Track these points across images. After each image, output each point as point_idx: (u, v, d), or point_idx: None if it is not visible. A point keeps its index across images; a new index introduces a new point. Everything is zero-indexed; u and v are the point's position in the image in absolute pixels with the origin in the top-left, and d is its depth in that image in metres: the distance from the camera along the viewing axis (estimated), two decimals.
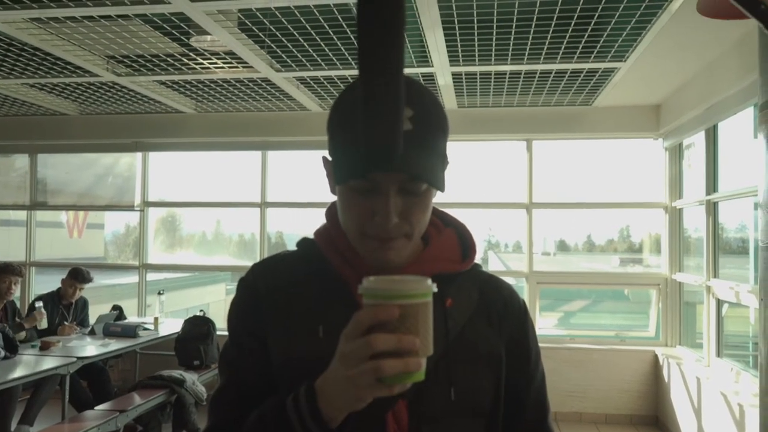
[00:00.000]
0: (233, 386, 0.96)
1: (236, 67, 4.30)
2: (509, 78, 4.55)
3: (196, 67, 4.33)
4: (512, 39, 3.69)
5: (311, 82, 4.68)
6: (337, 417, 0.75)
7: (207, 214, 7.78)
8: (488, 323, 0.97)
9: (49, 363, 3.99)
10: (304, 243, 1.00)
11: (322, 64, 4.19)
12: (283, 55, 4.03)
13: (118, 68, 4.41)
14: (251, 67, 4.27)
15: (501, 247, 6.85)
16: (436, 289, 0.71)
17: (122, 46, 3.91)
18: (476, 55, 4.01)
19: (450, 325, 0.92)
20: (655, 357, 5.24)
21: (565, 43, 3.74)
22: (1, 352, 3.89)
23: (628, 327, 6.27)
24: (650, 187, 5.64)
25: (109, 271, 9.47)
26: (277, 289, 0.96)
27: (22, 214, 6.32)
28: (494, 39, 3.69)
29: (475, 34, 3.61)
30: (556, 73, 4.39)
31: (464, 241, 1.01)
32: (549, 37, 3.66)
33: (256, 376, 0.94)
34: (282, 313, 0.93)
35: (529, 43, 3.76)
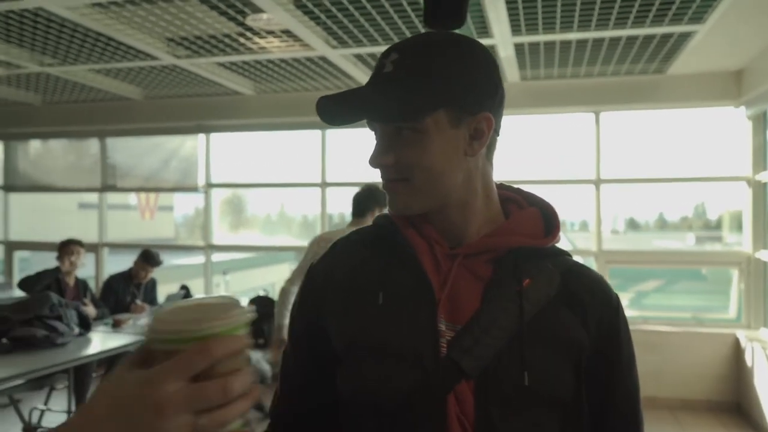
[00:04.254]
0: (286, 377, 1.02)
1: (293, 45, 4.25)
2: (576, 47, 4.30)
3: (253, 47, 4.31)
4: (578, 4, 3.46)
5: (368, 58, 4.58)
6: None
7: (271, 195, 7.89)
8: (571, 311, 0.88)
9: (121, 340, 4.12)
10: (378, 219, 0.99)
11: (379, 39, 4.08)
12: (339, 32, 3.95)
13: (177, 51, 4.45)
14: (307, 45, 4.21)
15: (567, 226, 6.60)
16: (250, 317, 0.57)
17: (180, 27, 3.93)
18: (540, 23, 3.81)
19: (525, 306, 0.84)
20: (737, 340, 4.93)
21: (636, 5, 3.49)
22: (76, 329, 4.02)
23: (706, 308, 5.94)
24: (730, 159, 5.27)
25: (177, 252, 9.75)
26: (340, 271, 0.95)
27: (95, 197, 6.56)
28: (559, 4, 3.48)
29: (539, 0, 3.41)
30: (626, 39, 4.11)
31: (548, 219, 0.94)
32: (619, 0, 3.41)
33: (299, 373, 0.99)
34: (344, 294, 0.93)
35: (597, 8, 3.53)
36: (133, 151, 6.46)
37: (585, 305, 0.88)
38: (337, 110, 0.84)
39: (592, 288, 0.90)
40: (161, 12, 3.66)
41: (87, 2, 3.49)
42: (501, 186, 0.97)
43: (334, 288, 0.94)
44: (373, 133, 0.89)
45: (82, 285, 4.82)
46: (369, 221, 3.71)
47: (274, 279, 12.09)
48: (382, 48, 4.26)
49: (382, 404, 0.84)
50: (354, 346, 0.88)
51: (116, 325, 4.50)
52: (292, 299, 3.31)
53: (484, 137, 0.86)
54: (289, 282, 3.43)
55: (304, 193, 6.45)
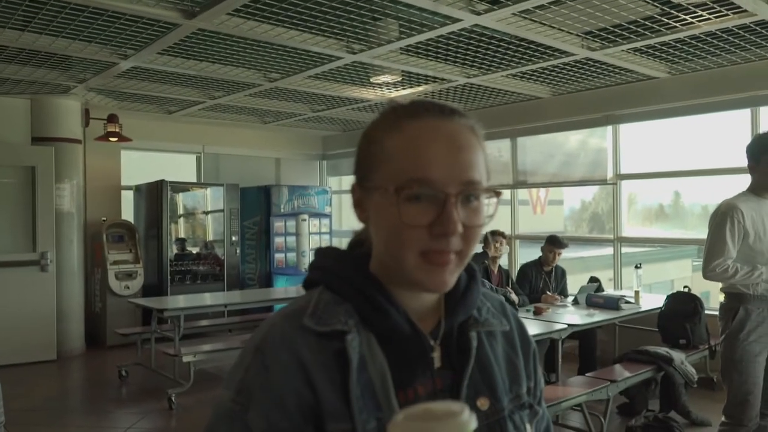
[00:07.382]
0: None
1: (726, 14, 3.82)
2: None
3: (677, 24, 4.01)
4: None
5: None
6: None
7: (665, 185, 7.33)
8: None
9: (540, 328, 4.26)
10: None
11: None
12: None
13: (592, 43, 4.44)
14: (745, 10, 3.73)
15: None
16: (474, 426, 0.61)
17: (600, 18, 3.91)
18: None
19: None
20: None
21: None
22: None
23: None
24: None
25: (580, 244, 9.84)
26: None
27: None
28: None
29: None
30: None
31: None
32: None
33: None
34: None
35: None
36: (540, 148, 6.74)
37: None
38: None
39: None
40: (583, 6, 3.70)
41: (514, 11, 3.74)
42: None
43: None
44: None
45: (504, 273, 5.22)
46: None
47: (674, 275, 11.20)
48: None
49: None
50: None
51: (537, 313, 4.71)
52: (731, 271, 2.88)
53: None
54: (709, 260, 2.93)
55: (715, 181, 5.75)
